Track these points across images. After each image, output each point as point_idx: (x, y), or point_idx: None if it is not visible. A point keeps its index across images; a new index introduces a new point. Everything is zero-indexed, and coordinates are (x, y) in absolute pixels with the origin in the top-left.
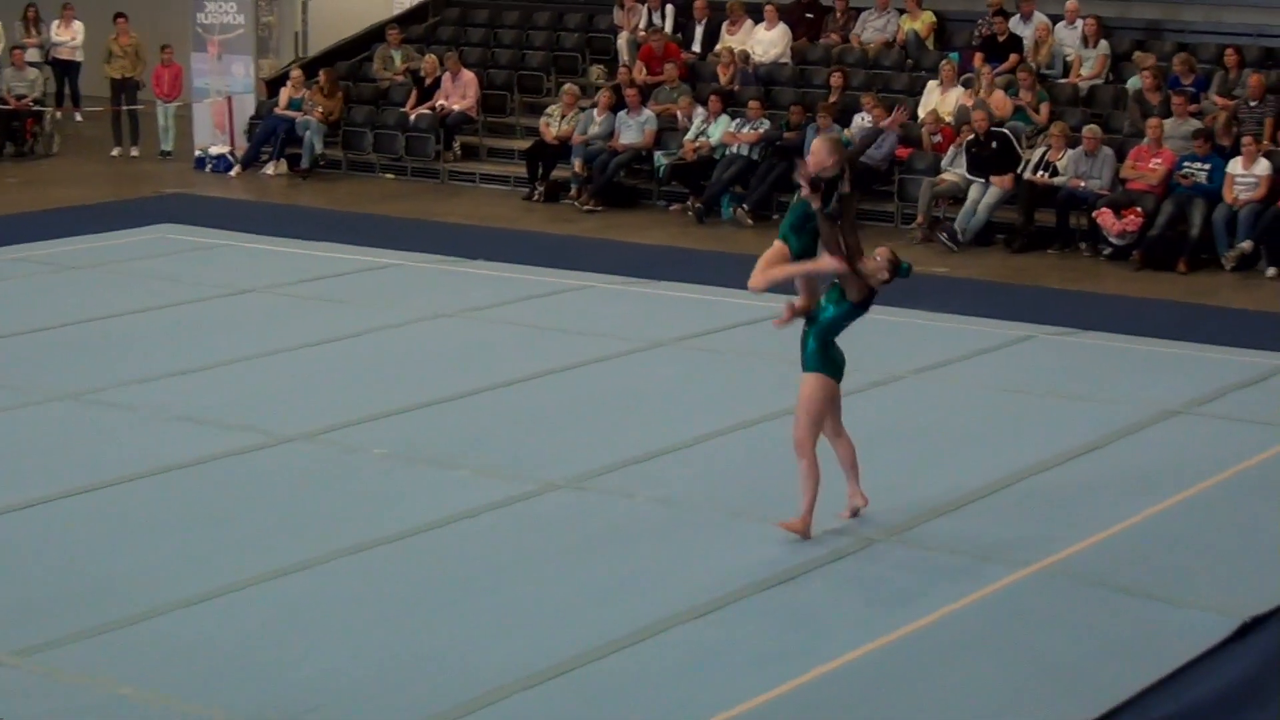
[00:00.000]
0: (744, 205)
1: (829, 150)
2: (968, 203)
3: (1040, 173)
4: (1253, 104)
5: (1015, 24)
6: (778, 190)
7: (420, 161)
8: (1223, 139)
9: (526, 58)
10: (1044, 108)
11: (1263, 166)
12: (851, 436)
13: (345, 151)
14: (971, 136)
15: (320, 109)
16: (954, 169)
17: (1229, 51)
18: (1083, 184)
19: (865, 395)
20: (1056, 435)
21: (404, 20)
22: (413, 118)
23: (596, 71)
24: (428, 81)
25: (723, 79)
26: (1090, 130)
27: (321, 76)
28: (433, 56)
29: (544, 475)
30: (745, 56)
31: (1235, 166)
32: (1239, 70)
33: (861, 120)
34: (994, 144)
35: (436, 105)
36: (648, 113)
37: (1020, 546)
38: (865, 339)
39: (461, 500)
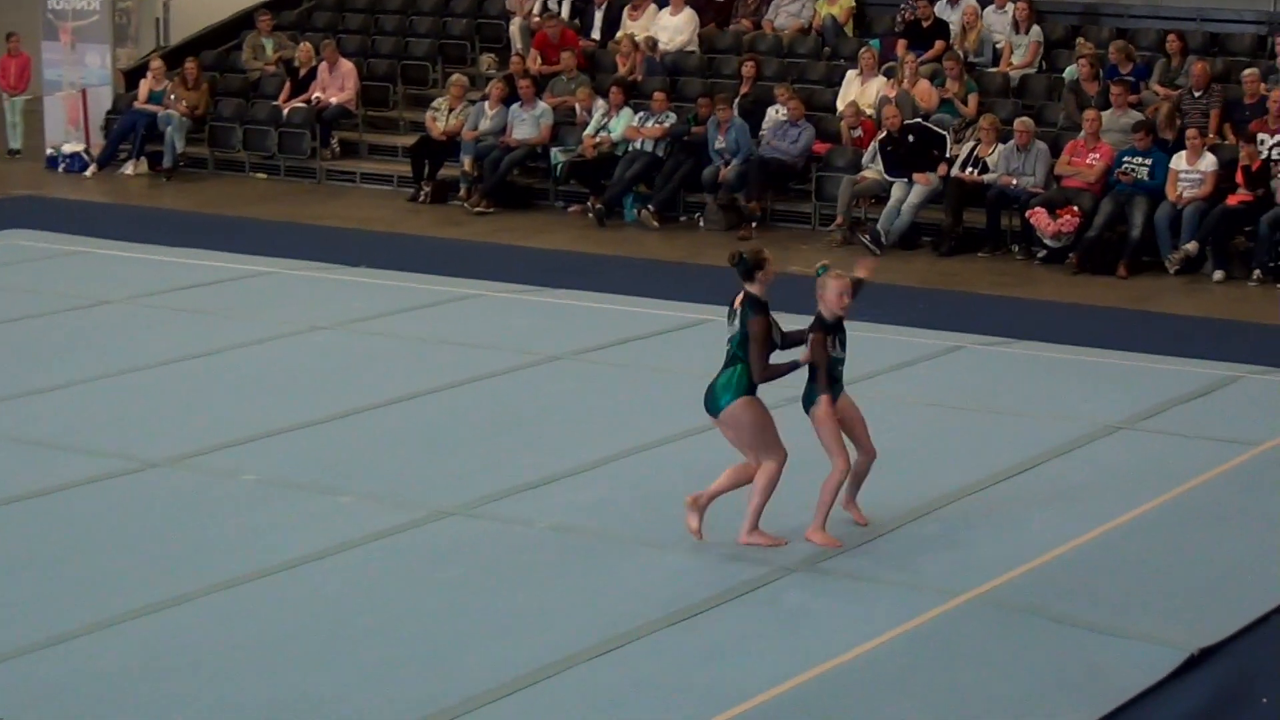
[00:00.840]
0: (649, 206)
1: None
2: (891, 202)
3: (969, 169)
4: (1197, 94)
5: (941, 8)
6: (685, 189)
7: (294, 160)
8: (1165, 132)
9: (410, 46)
10: (972, 99)
11: (1208, 161)
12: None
13: (212, 149)
14: (885, 134)
15: (184, 103)
16: (875, 166)
17: (1171, 38)
18: (1014, 181)
19: (782, 412)
20: (988, 453)
21: (276, 5)
22: (286, 112)
23: (487, 61)
24: (302, 72)
25: (624, 69)
26: (1022, 123)
27: (185, 67)
28: (308, 45)
29: (433, 502)
30: (652, 44)
31: (1179, 162)
32: (1182, 58)
33: (775, 113)
34: (911, 138)
35: (312, 98)
36: (543, 106)
37: (949, 574)
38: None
39: (342, 530)
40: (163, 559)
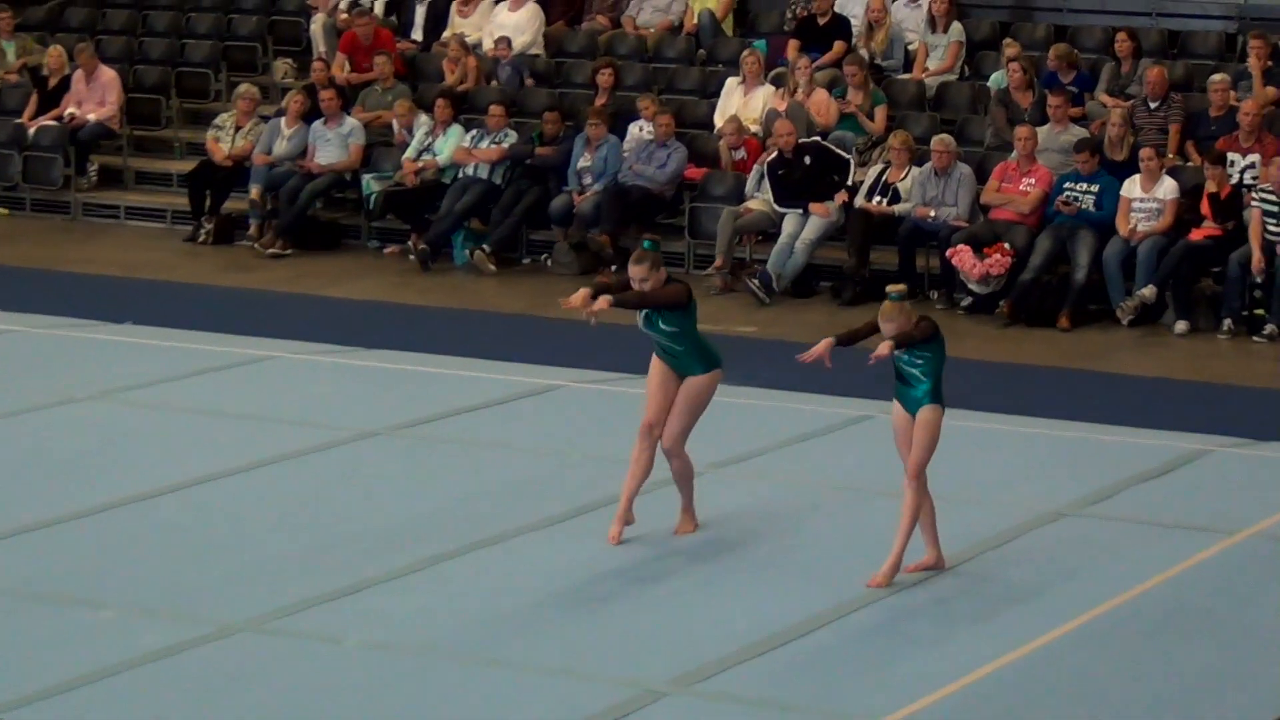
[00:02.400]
0: (483, 246)
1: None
2: (781, 239)
3: (876, 199)
4: (1153, 105)
5: (842, 2)
6: (528, 225)
7: (44, 190)
8: (1114, 152)
9: (187, 49)
10: (879, 112)
11: (1167, 188)
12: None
13: None
14: (775, 155)
15: None
16: (762, 195)
17: (1120, 37)
18: (932, 213)
19: (643, 500)
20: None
21: (18, 1)
22: (32, 131)
23: (283, 68)
24: (52, 82)
25: (452, 77)
26: (940, 141)
27: None
28: (58, 49)
29: (219, 614)
30: (506, 43)
31: (1131, 188)
32: (1134, 61)
33: (639, 131)
34: (807, 160)
35: (65, 114)
36: (352, 123)
37: (851, 697)
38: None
39: (107, 650)
40: None
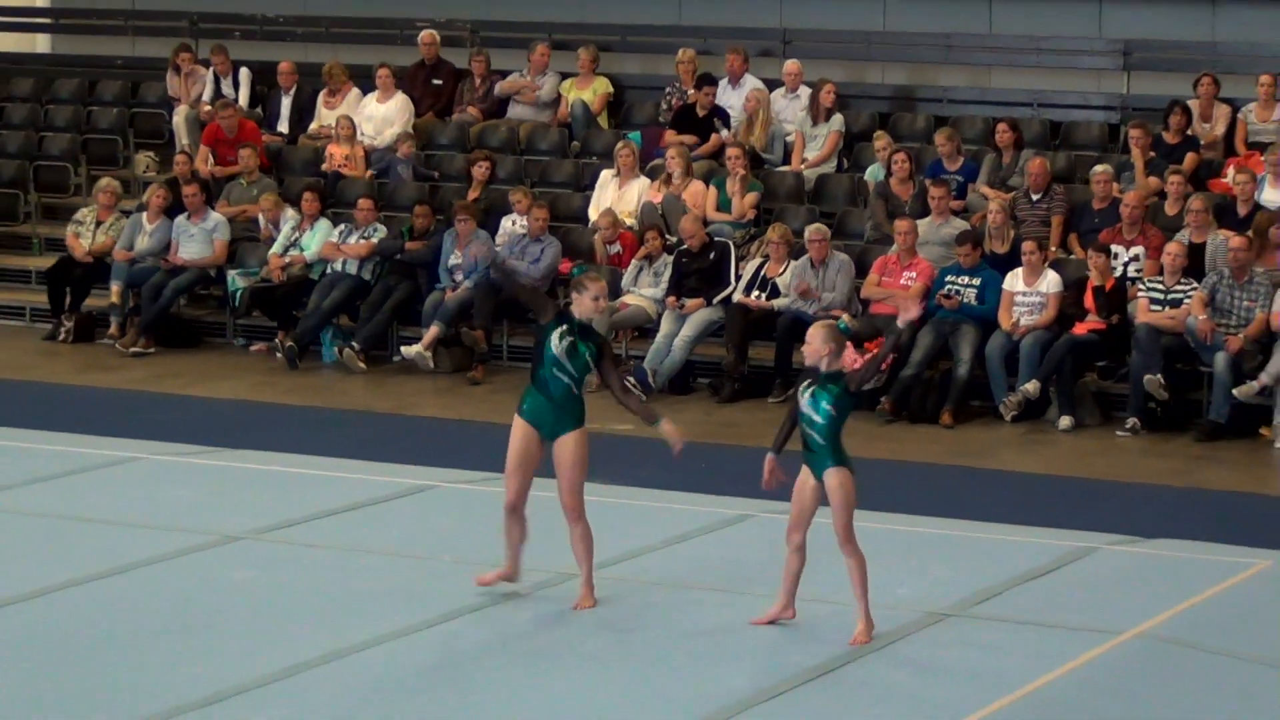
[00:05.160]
0: (353, 344)
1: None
2: (659, 336)
3: (755, 293)
4: (1035, 197)
5: (723, 91)
6: (399, 321)
7: None
8: (996, 245)
9: (46, 142)
10: (748, 200)
11: (1050, 281)
12: None
13: None
14: (682, 249)
15: None
16: (639, 290)
17: (1001, 127)
18: (814, 292)
19: (522, 604)
20: (778, 652)
21: None
22: None
23: (144, 161)
24: None
25: (338, 160)
26: (816, 230)
27: None
28: None
29: None
30: (405, 138)
31: (1014, 281)
32: (1015, 152)
33: (512, 225)
34: (712, 256)
35: None
36: (216, 217)
37: None
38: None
39: None
40: None
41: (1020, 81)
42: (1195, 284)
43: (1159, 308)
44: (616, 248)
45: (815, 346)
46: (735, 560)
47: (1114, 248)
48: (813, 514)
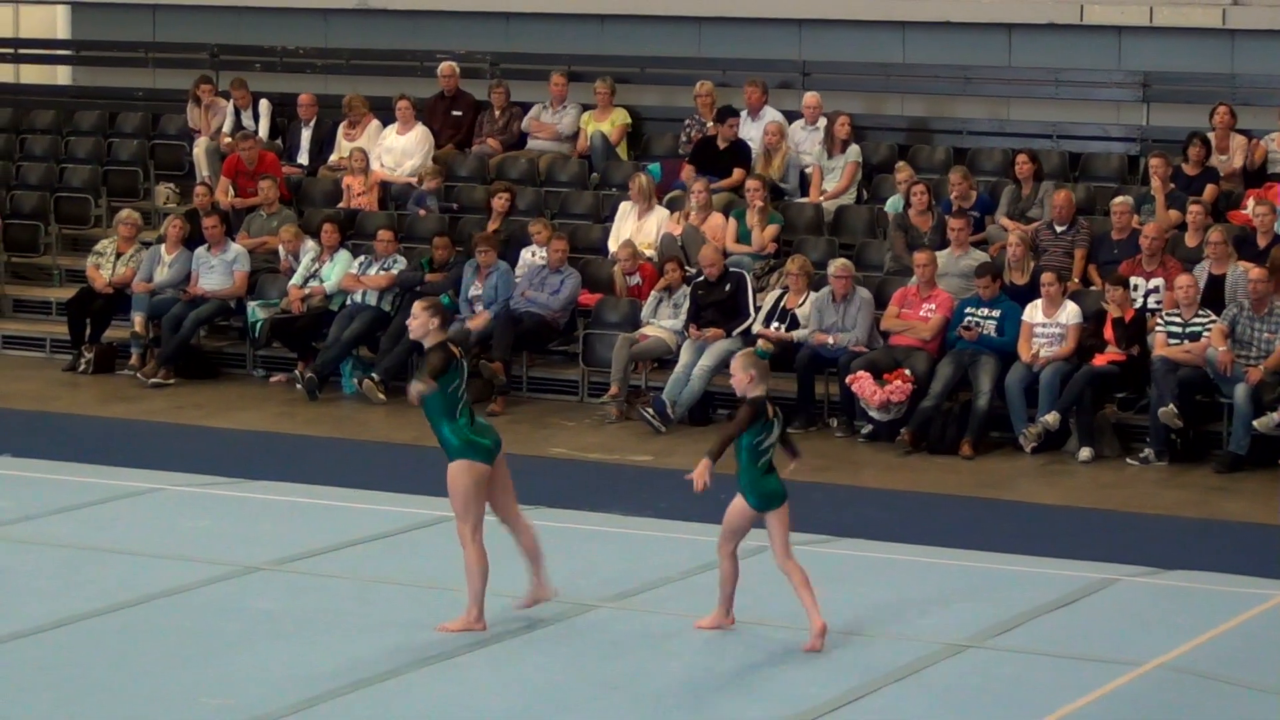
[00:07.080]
0: (372, 375)
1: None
2: (678, 367)
3: (775, 325)
4: (1059, 229)
5: (743, 123)
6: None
7: None
8: (1015, 276)
9: (66, 174)
10: (769, 232)
11: (1069, 313)
12: None
13: None
14: (699, 280)
15: None
16: (659, 321)
17: (1021, 159)
18: (831, 340)
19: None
20: (799, 683)
21: None
22: None
23: (164, 193)
24: None
25: (357, 192)
26: (842, 267)
27: None
28: None
29: None
30: (434, 172)
31: (1033, 313)
32: (1034, 184)
33: (532, 256)
34: (728, 288)
35: None
36: (236, 248)
37: None
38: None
39: None
40: None
41: (1039, 113)
42: (1214, 316)
43: (1177, 340)
44: (636, 279)
45: (738, 376)
46: (747, 591)
47: (1134, 279)
48: (743, 532)
